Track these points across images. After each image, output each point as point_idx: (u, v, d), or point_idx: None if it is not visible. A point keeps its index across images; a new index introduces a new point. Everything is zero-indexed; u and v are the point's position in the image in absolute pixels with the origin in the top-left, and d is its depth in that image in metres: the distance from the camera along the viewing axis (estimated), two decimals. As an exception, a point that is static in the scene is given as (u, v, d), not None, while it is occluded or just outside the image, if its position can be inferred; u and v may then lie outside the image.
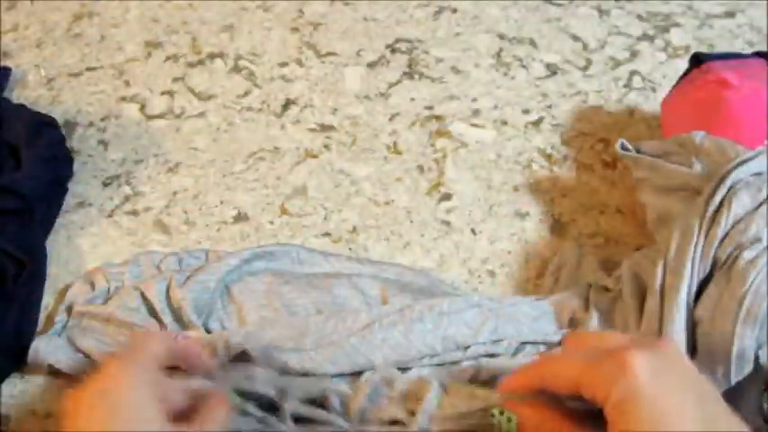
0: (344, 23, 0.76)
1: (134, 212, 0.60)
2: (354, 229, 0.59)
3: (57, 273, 0.56)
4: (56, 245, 0.57)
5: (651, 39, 0.74)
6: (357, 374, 0.47)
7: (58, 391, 0.49)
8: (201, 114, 0.67)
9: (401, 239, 0.58)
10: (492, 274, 0.56)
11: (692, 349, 0.45)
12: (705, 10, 0.77)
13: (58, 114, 0.65)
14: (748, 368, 0.43)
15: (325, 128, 0.66)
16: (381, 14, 0.77)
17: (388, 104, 0.68)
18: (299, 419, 0.45)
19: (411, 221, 0.59)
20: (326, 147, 0.65)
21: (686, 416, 0.33)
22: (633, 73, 0.71)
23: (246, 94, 0.69)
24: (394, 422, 0.44)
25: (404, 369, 0.48)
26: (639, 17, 0.77)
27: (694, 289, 0.46)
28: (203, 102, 0.68)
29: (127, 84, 0.70)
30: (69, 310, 0.52)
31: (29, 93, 0.69)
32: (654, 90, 0.69)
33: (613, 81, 0.70)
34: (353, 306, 0.51)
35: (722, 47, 0.73)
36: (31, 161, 0.58)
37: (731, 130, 0.54)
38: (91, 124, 0.66)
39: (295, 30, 0.75)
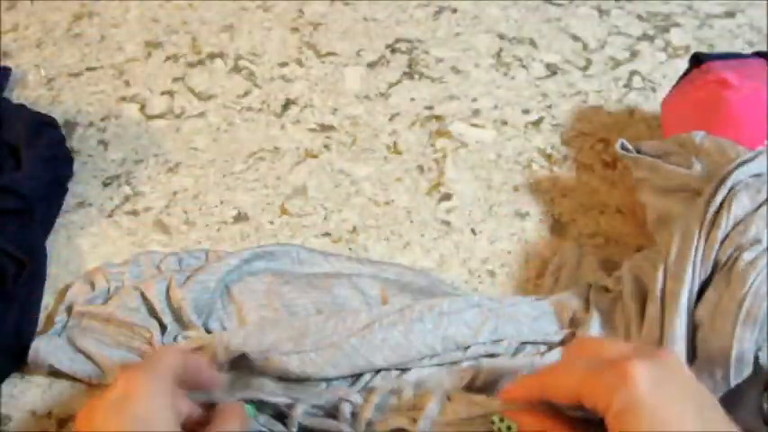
0: (344, 23, 0.76)
1: (134, 212, 0.60)
2: (354, 229, 0.59)
3: (57, 273, 0.56)
4: (56, 245, 0.57)
5: (651, 39, 0.74)
6: (358, 376, 0.47)
7: (59, 392, 0.49)
8: (201, 114, 0.67)
9: (401, 239, 0.58)
10: (492, 274, 0.56)
11: (693, 353, 0.45)
12: (705, 10, 0.77)
13: (58, 114, 0.65)
14: (747, 371, 0.43)
15: (325, 128, 0.66)
16: (381, 14, 0.77)
17: (388, 104, 0.68)
18: (306, 429, 0.45)
19: (411, 221, 0.59)
20: (326, 147, 0.65)
21: (686, 425, 0.33)
22: (633, 73, 0.71)
23: (246, 94, 0.69)
24: (398, 430, 0.44)
25: (404, 369, 0.48)
26: (639, 17, 0.77)
27: (695, 293, 0.46)
28: (203, 102, 0.68)
29: (127, 84, 0.70)
30: (69, 310, 0.52)
31: (29, 93, 0.69)
32: (654, 90, 0.69)
33: (613, 81, 0.70)
34: (353, 306, 0.51)
35: (722, 47, 0.73)
36: (31, 161, 0.58)
37: (731, 130, 0.54)
38: (91, 124, 0.67)
39: (295, 30, 0.75)
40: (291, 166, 0.63)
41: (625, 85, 0.70)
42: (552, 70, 0.71)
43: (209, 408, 0.43)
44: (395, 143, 0.65)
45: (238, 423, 0.41)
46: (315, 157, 0.64)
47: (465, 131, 0.66)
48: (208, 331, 0.50)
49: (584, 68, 0.71)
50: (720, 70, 0.57)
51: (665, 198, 0.53)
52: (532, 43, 0.74)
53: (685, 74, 0.62)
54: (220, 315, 0.51)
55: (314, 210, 0.60)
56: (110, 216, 0.60)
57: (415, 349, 0.47)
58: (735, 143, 0.51)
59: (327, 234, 0.58)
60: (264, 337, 0.48)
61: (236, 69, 0.71)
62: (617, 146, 0.56)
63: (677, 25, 0.76)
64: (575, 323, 0.50)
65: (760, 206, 0.47)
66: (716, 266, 0.46)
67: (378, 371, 0.48)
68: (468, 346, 0.48)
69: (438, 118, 0.67)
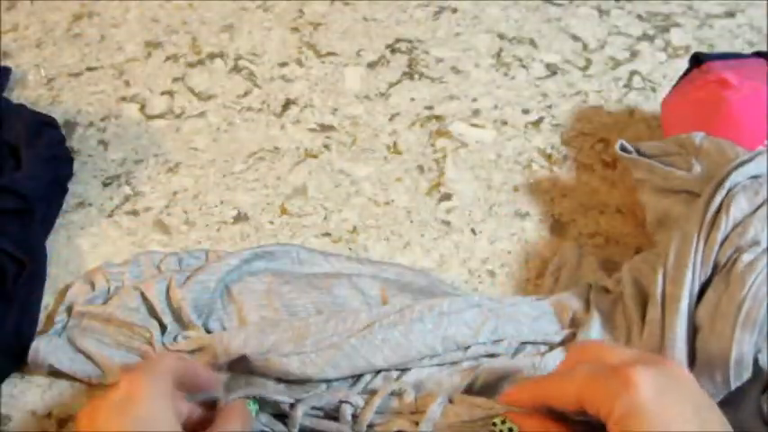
0: (344, 23, 0.76)
1: (134, 212, 0.60)
2: (354, 229, 0.59)
3: (57, 273, 0.56)
4: (56, 245, 0.57)
5: (651, 39, 0.74)
6: (358, 377, 0.47)
7: (59, 392, 0.49)
8: (201, 114, 0.67)
9: (401, 239, 0.58)
10: (492, 274, 0.56)
11: (693, 356, 0.45)
12: (705, 10, 0.77)
13: (58, 114, 0.65)
14: (747, 374, 0.43)
15: (325, 128, 0.66)
16: (381, 14, 0.77)
17: (388, 104, 0.68)
18: (306, 430, 0.45)
19: (411, 221, 0.59)
20: (326, 147, 0.65)
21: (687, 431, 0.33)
22: (633, 73, 0.71)
23: (246, 94, 0.69)
24: None
25: (404, 369, 0.48)
26: (639, 17, 0.77)
27: (695, 296, 0.46)
28: (203, 102, 0.68)
29: (127, 84, 0.70)
30: (69, 310, 0.52)
31: (29, 93, 0.69)
32: (654, 90, 0.69)
33: (613, 81, 0.70)
34: (353, 306, 0.51)
35: (722, 47, 0.73)
36: (31, 161, 0.58)
37: (731, 130, 0.54)
38: (91, 124, 0.67)
39: (295, 30, 0.75)
40: (291, 166, 0.63)
41: (625, 85, 0.70)
42: (552, 70, 0.71)
43: (211, 407, 0.43)
44: (395, 143, 0.65)
45: (240, 422, 0.41)
46: (315, 157, 0.64)
47: (465, 131, 0.66)
48: (208, 331, 0.50)
49: (584, 68, 0.71)
50: (720, 70, 0.57)
51: (664, 199, 0.53)
52: (532, 43, 0.74)
53: (685, 74, 0.62)
54: (220, 315, 0.51)
55: (314, 210, 0.60)
56: (110, 216, 0.60)
57: (415, 349, 0.47)
58: (734, 144, 0.51)
59: (327, 234, 0.58)
60: (265, 339, 0.48)
61: (236, 69, 0.71)
62: (616, 147, 0.56)
63: (677, 25, 0.76)
64: (575, 323, 0.50)
65: (758, 208, 0.47)
66: (715, 268, 0.46)
67: (378, 371, 0.48)
68: (469, 347, 0.48)
69: (438, 118, 0.67)
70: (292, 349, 0.47)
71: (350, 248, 0.58)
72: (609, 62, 0.72)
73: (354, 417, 0.45)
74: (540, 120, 0.67)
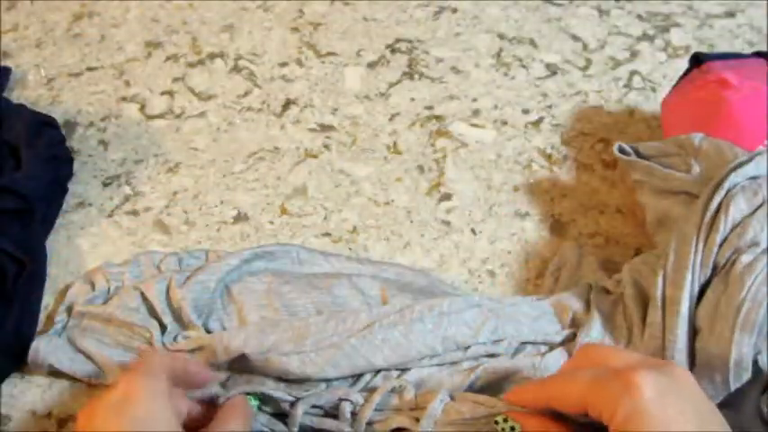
0: (344, 23, 0.76)
1: (134, 212, 0.60)
2: (354, 229, 0.59)
3: (57, 273, 0.56)
4: (56, 245, 0.57)
5: (651, 39, 0.74)
6: (358, 377, 0.47)
7: (59, 392, 0.50)
8: (201, 114, 0.67)
9: (401, 239, 0.58)
10: (492, 274, 0.56)
11: (693, 358, 0.45)
12: (705, 10, 0.77)
13: (58, 114, 0.65)
14: (746, 375, 0.43)
15: (325, 128, 0.66)
16: (381, 14, 0.77)
17: (388, 104, 0.68)
18: (306, 429, 0.45)
19: (411, 221, 0.59)
20: (326, 147, 0.65)
21: None
22: (633, 73, 0.71)
23: (246, 94, 0.69)
24: (399, 430, 0.44)
25: (404, 369, 0.48)
26: (639, 17, 0.77)
27: (695, 298, 0.46)
28: (203, 102, 0.68)
29: (127, 84, 0.70)
30: (69, 310, 0.52)
31: (29, 93, 0.69)
32: (654, 90, 0.69)
33: (613, 81, 0.70)
34: (353, 306, 0.51)
35: (722, 47, 0.73)
36: (31, 161, 0.58)
37: (731, 130, 0.54)
38: (91, 124, 0.67)
39: (295, 30, 0.75)
40: (291, 166, 0.63)
41: (625, 85, 0.70)
42: (552, 70, 0.71)
43: (212, 404, 0.43)
44: (395, 143, 0.65)
45: (242, 419, 0.41)
46: (315, 157, 0.64)
47: (465, 131, 0.66)
48: (208, 331, 0.50)
49: (584, 68, 0.71)
50: (720, 70, 0.57)
51: (664, 200, 0.53)
52: (532, 43, 0.74)
53: (685, 74, 0.62)
54: (220, 315, 0.51)
55: (314, 210, 0.60)
56: (110, 216, 0.60)
57: (415, 349, 0.47)
58: (733, 145, 0.51)
59: (327, 234, 0.58)
60: (265, 339, 0.48)
61: (236, 69, 0.71)
62: (614, 148, 0.56)
63: (677, 25, 0.76)
64: (575, 324, 0.50)
65: (757, 209, 0.47)
66: (715, 269, 0.46)
67: (378, 371, 0.48)
68: (469, 347, 0.48)
69: (438, 118, 0.67)
70: (292, 349, 0.47)
71: (350, 248, 0.58)
72: (609, 62, 0.72)
73: (354, 414, 0.45)
74: (540, 120, 0.67)
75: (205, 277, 0.52)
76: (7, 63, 0.71)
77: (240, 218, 0.60)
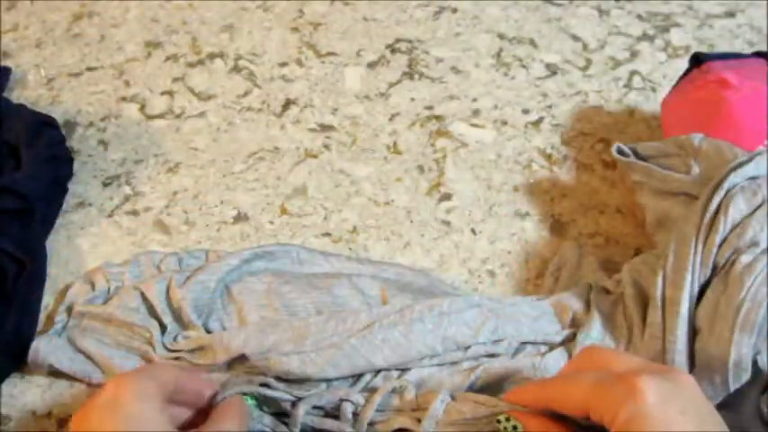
0: (344, 23, 0.76)
1: (134, 212, 0.60)
2: (354, 229, 0.59)
3: (57, 273, 0.56)
4: (56, 245, 0.57)
5: (651, 39, 0.74)
6: (358, 377, 0.47)
7: (59, 392, 0.50)
8: (201, 114, 0.67)
9: (401, 239, 0.58)
10: (492, 274, 0.56)
11: (693, 358, 0.45)
12: (705, 10, 0.77)
13: (58, 114, 0.65)
14: (746, 376, 0.43)
15: (325, 128, 0.66)
16: (381, 14, 0.77)
17: (388, 104, 0.68)
18: (307, 429, 0.45)
19: (411, 221, 0.59)
20: (326, 147, 0.65)
21: None
22: (633, 73, 0.71)
23: (246, 94, 0.69)
24: (401, 430, 0.44)
25: (404, 369, 0.48)
26: (639, 17, 0.77)
27: (695, 298, 0.46)
28: (203, 102, 0.68)
29: (127, 84, 0.70)
30: (69, 310, 0.52)
31: (29, 93, 0.69)
32: (654, 90, 0.69)
33: (613, 81, 0.70)
34: (353, 306, 0.51)
35: (722, 47, 0.73)
36: (31, 161, 0.58)
37: (731, 130, 0.54)
38: (91, 124, 0.67)
39: (295, 30, 0.75)
40: (291, 166, 0.63)
41: (625, 85, 0.70)
42: (552, 70, 0.71)
43: (208, 406, 0.43)
44: (395, 143, 0.65)
45: (237, 419, 0.41)
46: (315, 157, 0.64)
47: (465, 131, 0.66)
48: (208, 331, 0.50)
49: (584, 68, 0.71)
50: (720, 70, 0.57)
51: (663, 200, 0.53)
52: (532, 43, 0.74)
53: (685, 74, 0.62)
54: (220, 315, 0.51)
55: (314, 210, 0.60)
56: (110, 216, 0.60)
57: (415, 349, 0.47)
58: (733, 145, 0.51)
59: (327, 234, 0.58)
60: (265, 339, 0.48)
61: (236, 69, 0.71)
62: (613, 150, 0.56)
63: (677, 25, 0.76)
64: (575, 324, 0.50)
65: (757, 209, 0.47)
66: (714, 269, 0.46)
67: (378, 371, 0.48)
68: (469, 346, 0.48)
69: (438, 118, 0.67)
70: (292, 349, 0.47)
71: (350, 248, 0.58)
72: (609, 62, 0.72)
73: (355, 415, 0.45)
74: (540, 120, 0.67)
75: (205, 277, 0.52)
76: (7, 63, 0.71)
77: (240, 218, 0.60)
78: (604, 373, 0.36)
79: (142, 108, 0.68)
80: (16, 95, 0.69)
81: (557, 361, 0.47)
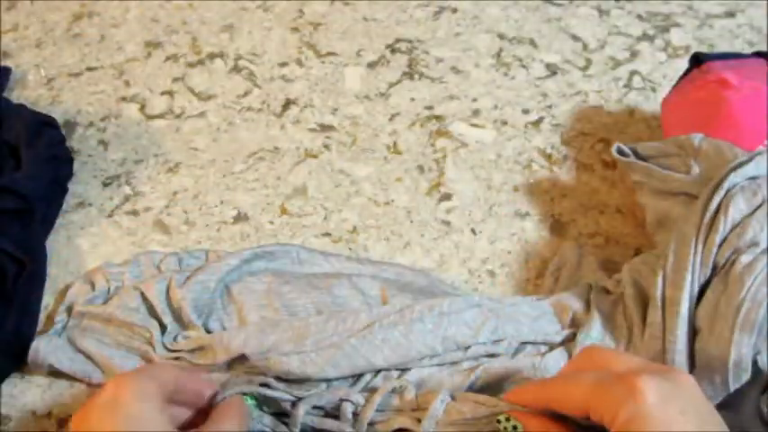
0: (344, 23, 0.76)
1: (134, 212, 0.60)
2: (354, 229, 0.59)
3: (57, 273, 0.56)
4: (56, 245, 0.57)
5: (651, 39, 0.74)
6: (358, 377, 0.47)
7: (59, 392, 0.49)
8: (201, 114, 0.67)
9: (401, 239, 0.58)
10: (492, 274, 0.56)
11: (693, 358, 0.45)
12: (705, 10, 0.77)
13: (58, 114, 0.65)
14: (746, 376, 0.43)
15: (325, 128, 0.66)
16: (381, 14, 0.77)
17: (388, 104, 0.68)
18: (307, 429, 0.45)
19: (411, 221, 0.59)
20: (326, 147, 0.65)
21: None
22: (633, 73, 0.71)
23: (246, 94, 0.69)
24: (401, 430, 0.44)
25: (404, 369, 0.48)
26: (639, 17, 0.77)
27: (695, 298, 0.46)
28: (203, 102, 0.68)
29: (127, 84, 0.70)
30: (69, 310, 0.52)
31: (29, 93, 0.69)
32: (654, 90, 0.69)
33: (613, 81, 0.70)
34: (353, 306, 0.51)
35: (722, 47, 0.73)
36: (31, 161, 0.58)
37: (731, 130, 0.54)
38: (91, 124, 0.67)
39: (295, 30, 0.75)
40: (291, 166, 0.63)
41: (625, 85, 0.70)
42: (552, 70, 0.71)
43: (208, 406, 0.43)
44: (395, 143, 0.65)
45: (237, 419, 0.41)
46: (315, 157, 0.64)
47: (465, 131, 0.66)
48: (208, 331, 0.50)
49: (584, 68, 0.71)
50: (720, 70, 0.57)
51: (663, 200, 0.53)
52: (532, 43, 0.74)
53: (685, 74, 0.62)
54: (220, 315, 0.51)
55: (314, 210, 0.60)
56: (110, 216, 0.60)
57: (415, 349, 0.47)
58: (733, 145, 0.51)
59: (327, 234, 0.58)
60: (265, 339, 0.48)
61: (236, 69, 0.71)
62: (613, 150, 0.56)
63: (677, 25, 0.76)
64: (575, 324, 0.50)
65: (757, 209, 0.47)
66: (714, 269, 0.46)
67: (378, 371, 0.48)
68: (469, 347, 0.48)
69: (438, 118, 0.67)
70: (292, 349, 0.47)
71: (350, 248, 0.58)
72: (609, 62, 0.72)
73: (355, 415, 0.45)
74: (540, 120, 0.67)
75: (205, 277, 0.52)
76: (7, 63, 0.71)
77: (240, 218, 0.60)
78: (604, 374, 0.36)
79: (142, 108, 0.68)
80: (16, 95, 0.69)
81: (557, 361, 0.47)
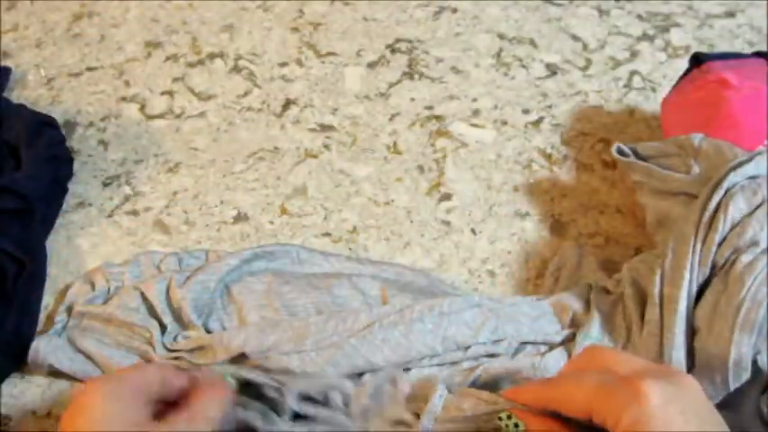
0: (344, 23, 0.76)
1: (134, 212, 0.60)
2: (354, 229, 0.59)
3: (57, 273, 0.56)
4: (56, 245, 0.57)
5: (651, 39, 0.74)
6: (358, 376, 0.47)
7: (59, 392, 0.50)
8: (201, 114, 0.67)
9: (401, 239, 0.58)
10: (492, 274, 0.56)
11: (692, 357, 0.45)
12: (705, 10, 0.77)
13: (58, 114, 0.65)
14: (746, 375, 0.43)
15: (325, 128, 0.66)
16: (381, 14, 0.77)
17: (388, 104, 0.68)
18: (298, 416, 0.44)
19: (411, 221, 0.59)
20: (326, 147, 0.65)
21: None
22: (633, 73, 0.71)
23: (246, 94, 0.69)
24: (398, 422, 0.44)
25: (404, 369, 0.48)
26: (639, 17, 0.77)
27: (693, 297, 0.46)
28: (203, 102, 0.68)
29: (127, 84, 0.70)
30: (69, 310, 0.52)
31: (29, 93, 0.69)
32: (654, 90, 0.69)
33: (613, 81, 0.70)
34: (353, 306, 0.51)
35: (722, 47, 0.73)
36: (31, 161, 0.58)
37: (731, 130, 0.54)
38: (91, 124, 0.67)
39: (295, 30, 0.75)
40: (291, 166, 0.63)
41: (625, 85, 0.70)
42: (552, 70, 0.71)
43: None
44: (395, 143, 0.65)
45: (217, 397, 0.40)
46: (315, 157, 0.64)
47: (465, 131, 0.66)
48: (208, 331, 0.50)
49: (584, 68, 0.71)
50: (720, 70, 0.57)
51: (663, 200, 0.53)
52: (532, 43, 0.74)
53: (685, 74, 0.62)
54: (220, 315, 0.51)
55: (314, 210, 0.60)
56: (110, 216, 0.60)
57: (415, 349, 0.47)
58: (732, 145, 0.51)
59: (327, 234, 0.58)
60: (265, 339, 0.48)
61: (236, 69, 0.71)
62: (613, 150, 0.56)
63: (677, 25, 0.76)
64: (575, 324, 0.50)
65: (757, 208, 0.47)
66: (714, 269, 0.46)
67: (378, 371, 0.48)
68: (469, 347, 0.48)
69: (438, 118, 0.67)
70: (292, 348, 0.47)
71: (350, 248, 0.58)
72: (609, 62, 0.72)
73: (347, 404, 0.44)
74: (540, 120, 0.67)
75: (205, 277, 0.52)
76: (7, 63, 0.71)
77: (240, 218, 0.60)
78: (607, 376, 0.36)
79: (142, 108, 0.68)
80: (16, 95, 0.69)
81: (557, 361, 0.47)
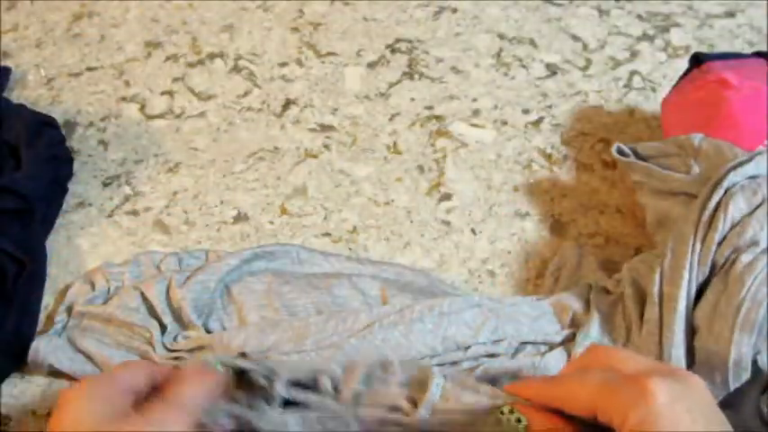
0: (344, 23, 0.76)
1: (134, 212, 0.60)
2: (354, 229, 0.59)
3: (57, 273, 0.56)
4: (56, 245, 0.57)
5: (651, 39, 0.74)
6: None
7: (58, 391, 0.49)
8: (201, 114, 0.67)
9: (401, 239, 0.58)
10: (492, 274, 0.56)
11: (692, 356, 0.45)
12: (705, 10, 0.77)
13: (58, 114, 0.65)
14: (746, 375, 0.43)
15: (325, 128, 0.66)
16: (381, 14, 0.77)
17: (388, 104, 0.68)
18: (288, 403, 0.43)
19: (411, 221, 0.59)
20: (326, 147, 0.65)
21: None
22: (633, 73, 0.71)
23: (246, 94, 0.69)
24: (393, 408, 0.43)
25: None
26: (639, 17, 0.77)
27: (693, 296, 0.46)
28: (203, 102, 0.68)
29: (127, 84, 0.70)
30: (69, 310, 0.52)
31: (29, 93, 0.69)
32: (654, 90, 0.69)
33: (613, 81, 0.70)
34: (353, 306, 0.51)
35: (722, 47, 0.73)
36: (31, 161, 0.58)
37: (731, 130, 0.54)
38: (91, 124, 0.67)
39: (295, 30, 0.75)
40: (291, 166, 0.63)
41: (625, 85, 0.70)
42: (552, 70, 0.71)
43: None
44: (395, 143, 0.65)
45: (201, 380, 0.40)
46: (315, 157, 0.64)
47: (465, 131, 0.66)
48: (208, 331, 0.50)
49: (584, 68, 0.71)
50: (720, 70, 0.57)
51: (663, 200, 0.53)
52: (532, 43, 0.74)
53: (685, 74, 0.62)
54: (220, 315, 0.51)
55: (314, 210, 0.60)
56: (110, 216, 0.60)
57: (415, 349, 0.47)
58: (732, 145, 0.51)
59: (327, 234, 0.58)
60: (265, 339, 0.48)
61: (236, 69, 0.71)
62: (613, 150, 0.56)
63: (677, 25, 0.76)
64: (575, 324, 0.50)
65: (757, 208, 0.47)
66: (713, 268, 0.46)
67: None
68: (469, 347, 0.48)
69: (438, 118, 0.67)
70: (292, 348, 0.47)
71: (350, 248, 0.58)
72: (609, 62, 0.72)
73: (336, 388, 0.43)
74: (540, 120, 0.67)
75: (205, 277, 0.52)
76: (7, 63, 0.71)
77: (240, 218, 0.60)
78: (612, 375, 0.36)
79: (142, 108, 0.68)
80: (16, 95, 0.69)
81: (557, 361, 0.47)
